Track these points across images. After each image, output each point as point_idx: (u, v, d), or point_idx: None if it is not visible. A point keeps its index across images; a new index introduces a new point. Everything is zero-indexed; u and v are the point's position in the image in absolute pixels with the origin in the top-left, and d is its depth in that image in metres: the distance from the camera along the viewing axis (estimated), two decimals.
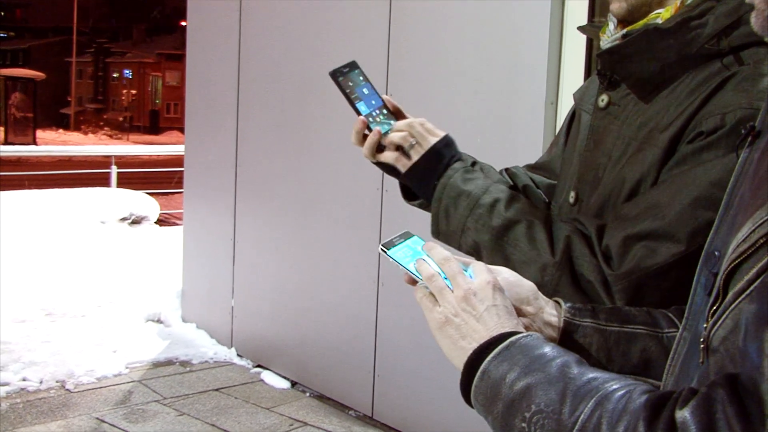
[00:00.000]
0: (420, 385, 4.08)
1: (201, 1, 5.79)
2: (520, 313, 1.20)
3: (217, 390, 4.93)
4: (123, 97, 63.11)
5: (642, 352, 1.23)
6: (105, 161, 11.58)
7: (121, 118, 57.97)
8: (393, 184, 4.86)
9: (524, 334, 1.03)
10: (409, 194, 1.72)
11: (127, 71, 63.69)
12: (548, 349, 0.99)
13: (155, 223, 10.23)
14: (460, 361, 1.05)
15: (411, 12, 4.07)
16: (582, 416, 0.87)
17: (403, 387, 4.24)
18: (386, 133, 1.61)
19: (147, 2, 65.52)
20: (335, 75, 1.62)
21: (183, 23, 6.03)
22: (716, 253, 0.95)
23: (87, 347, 5.46)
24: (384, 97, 1.65)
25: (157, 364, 5.34)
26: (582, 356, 1.13)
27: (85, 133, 51.48)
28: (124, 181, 11.14)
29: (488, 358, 1.01)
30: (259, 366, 5.31)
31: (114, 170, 10.84)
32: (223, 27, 5.44)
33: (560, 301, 1.25)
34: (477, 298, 1.08)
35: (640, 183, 1.42)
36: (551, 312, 1.23)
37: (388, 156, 1.60)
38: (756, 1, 0.97)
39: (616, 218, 1.41)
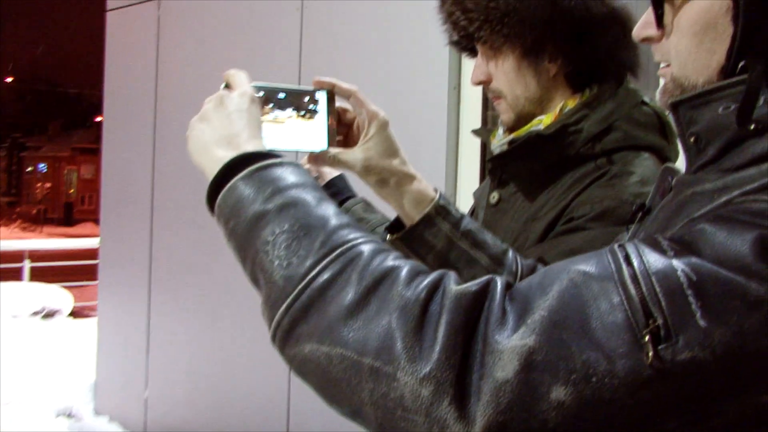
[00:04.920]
0: None
1: (117, 96, 5.93)
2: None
3: None
4: (37, 190, 62.17)
5: (471, 279, 1.28)
6: (18, 255, 11.41)
7: (34, 211, 57.03)
8: None
9: (279, 161, 1.02)
10: None
11: (42, 165, 62.91)
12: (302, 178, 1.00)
13: (68, 315, 10.06)
14: (209, 160, 1.10)
15: None
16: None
17: None
18: None
19: (62, 99, 65.21)
20: None
21: (98, 119, 6.13)
22: None
23: None
24: None
25: None
26: (418, 252, 1.26)
27: None
28: (38, 274, 11.00)
29: (240, 176, 1.03)
30: None
31: (27, 264, 10.72)
32: (139, 121, 5.56)
33: (438, 189, 1.35)
34: (229, 98, 1.10)
35: None
36: (428, 185, 1.32)
37: None
38: (666, 80, 0.99)
39: None
